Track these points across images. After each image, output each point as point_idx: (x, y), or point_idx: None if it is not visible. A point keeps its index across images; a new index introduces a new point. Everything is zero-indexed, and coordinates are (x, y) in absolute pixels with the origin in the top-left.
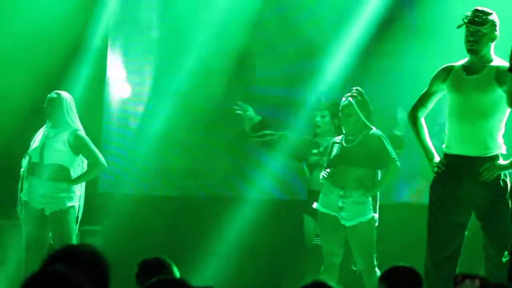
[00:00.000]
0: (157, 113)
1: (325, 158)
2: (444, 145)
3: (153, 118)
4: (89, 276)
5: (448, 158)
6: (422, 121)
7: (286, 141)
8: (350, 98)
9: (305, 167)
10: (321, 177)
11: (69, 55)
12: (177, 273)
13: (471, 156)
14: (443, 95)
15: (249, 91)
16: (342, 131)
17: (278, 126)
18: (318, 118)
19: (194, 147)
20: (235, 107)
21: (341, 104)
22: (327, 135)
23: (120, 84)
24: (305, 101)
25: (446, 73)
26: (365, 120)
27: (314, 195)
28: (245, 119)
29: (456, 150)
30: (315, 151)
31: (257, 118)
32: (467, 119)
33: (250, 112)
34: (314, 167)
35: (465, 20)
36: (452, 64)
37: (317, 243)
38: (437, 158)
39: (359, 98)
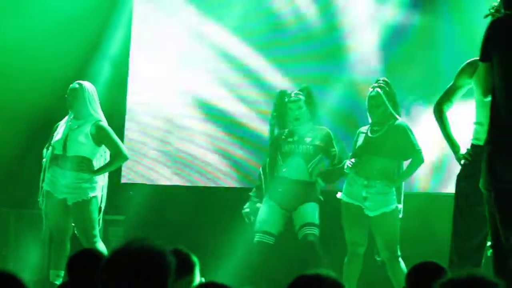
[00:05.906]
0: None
1: (300, 146)
2: (471, 137)
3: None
4: None
5: (475, 149)
6: (447, 115)
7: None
8: (378, 89)
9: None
10: (345, 167)
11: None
12: (196, 263)
13: None
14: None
15: None
16: (317, 118)
17: None
18: (296, 112)
19: (219, 138)
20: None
21: (368, 94)
22: (305, 124)
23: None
24: None
25: (473, 68)
26: (392, 111)
27: (279, 181)
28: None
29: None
30: (290, 139)
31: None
32: None
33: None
34: (288, 155)
35: (492, 11)
36: (477, 58)
37: (260, 240)
38: (463, 150)
39: (387, 88)
